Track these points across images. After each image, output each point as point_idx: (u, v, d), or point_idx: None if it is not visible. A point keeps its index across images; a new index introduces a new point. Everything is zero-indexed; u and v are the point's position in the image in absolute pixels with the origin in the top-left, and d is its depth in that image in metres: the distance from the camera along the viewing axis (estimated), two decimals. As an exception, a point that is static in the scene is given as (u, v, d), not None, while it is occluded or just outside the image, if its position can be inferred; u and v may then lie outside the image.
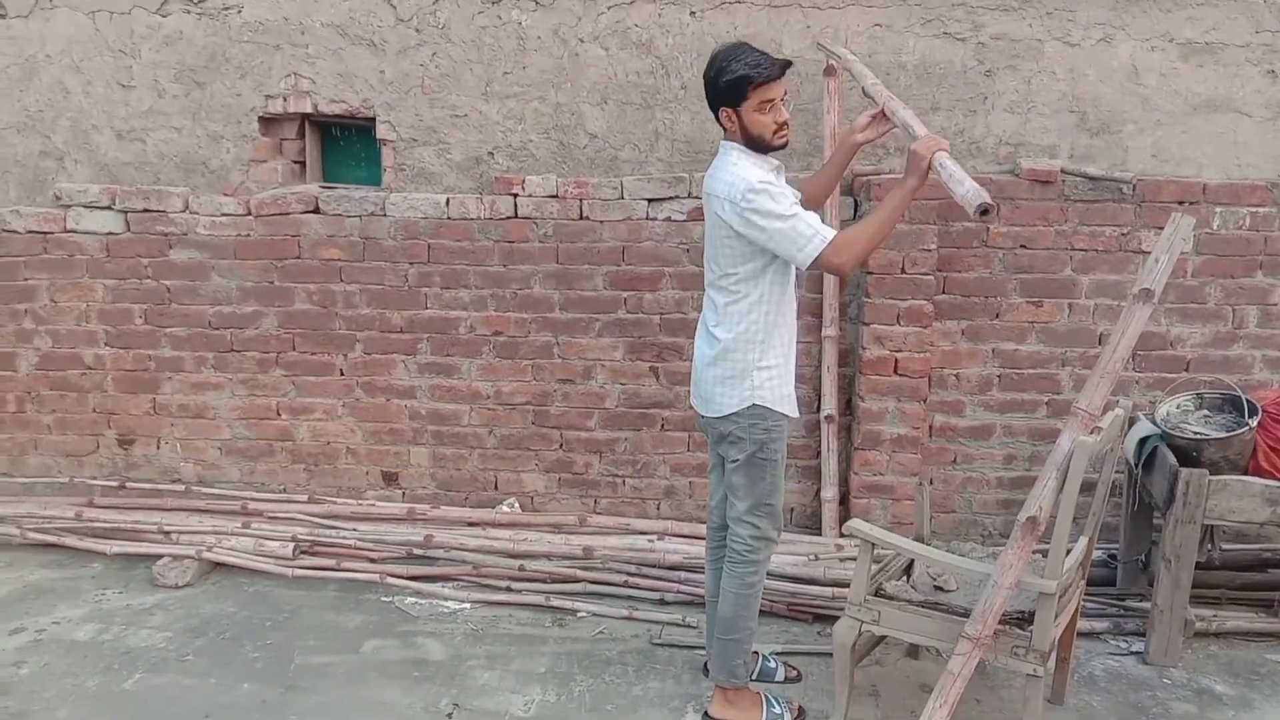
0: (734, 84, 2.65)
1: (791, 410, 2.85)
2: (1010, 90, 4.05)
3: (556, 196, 4.12)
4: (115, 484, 4.40)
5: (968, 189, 2.46)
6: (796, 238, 2.60)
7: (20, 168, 4.47)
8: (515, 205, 4.14)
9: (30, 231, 4.35)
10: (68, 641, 3.39)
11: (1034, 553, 2.65)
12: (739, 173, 2.66)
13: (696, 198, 4.01)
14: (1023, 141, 4.06)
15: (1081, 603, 3.06)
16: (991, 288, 3.96)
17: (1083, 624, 3.30)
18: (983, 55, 4.03)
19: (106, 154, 4.43)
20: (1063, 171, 3.90)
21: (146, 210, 4.27)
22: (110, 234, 4.31)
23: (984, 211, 2.42)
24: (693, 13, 4.11)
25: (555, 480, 4.31)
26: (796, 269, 2.74)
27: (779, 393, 2.80)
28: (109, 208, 4.30)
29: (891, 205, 2.66)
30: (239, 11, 4.25)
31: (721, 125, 2.76)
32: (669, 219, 4.07)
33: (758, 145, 2.71)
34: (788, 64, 2.69)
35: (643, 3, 4.12)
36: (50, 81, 4.40)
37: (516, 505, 4.29)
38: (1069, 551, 2.68)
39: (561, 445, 4.29)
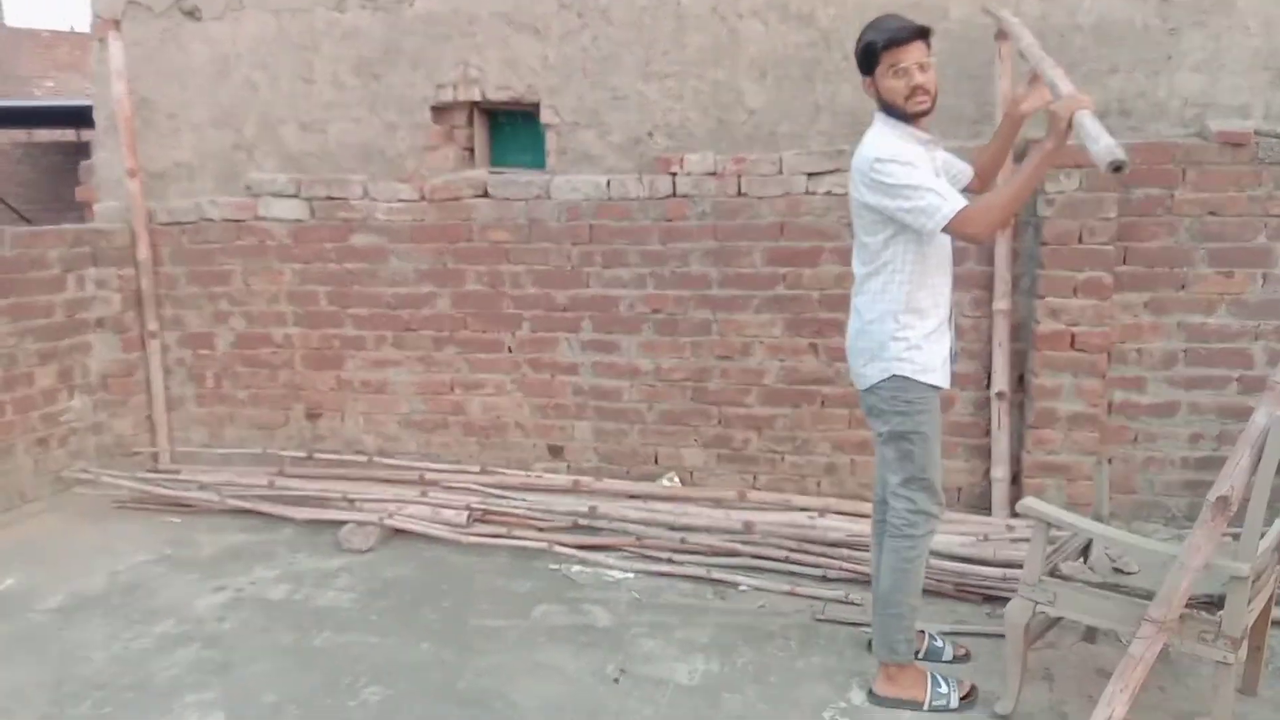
0: (863, 52, 2.67)
1: (939, 381, 2.77)
2: (1197, 48, 3.81)
3: (715, 174, 4.13)
4: (303, 455, 4.69)
5: (1102, 146, 2.33)
6: (925, 207, 2.56)
7: (215, 160, 4.81)
8: (674, 184, 4.18)
9: (225, 220, 4.69)
10: (263, 600, 3.64)
11: (1224, 535, 2.50)
12: (873, 142, 2.66)
13: (858, 171, 3.95)
14: (1211, 102, 3.82)
15: (1277, 589, 2.87)
16: (1177, 257, 3.75)
17: (1278, 612, 3.10)
18: (1166, 12, 3.81)
19: (291, 145, 4.71)
20: (1257, 133, 3.64)
21: (329, 198, 4.54)
22: (297, 221, 4.60)
23: (1116, 168, 2.30)
24: (855, -19, 4.04)
25: (714, 455, 4.35)
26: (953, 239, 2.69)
27: (922, 363, 2.73)
28: (295, 196, 4.58)
29: (1029, 169, 2.55)
30: (411, 4, 4.44)
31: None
32: (829, 192, 4.02)
33: (895, 112, 2.67)
34: (921, 29, 2.64)
35: (803, -26, 4.07)
36: (240, 79, 4.71)
37: (676, 479, 4.34)
38: (1264, 534, 2.53)
39: (720, 421, 4.32)
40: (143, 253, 4.73)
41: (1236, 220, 3.69)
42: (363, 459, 4.62)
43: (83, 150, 8.67)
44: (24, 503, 4.48)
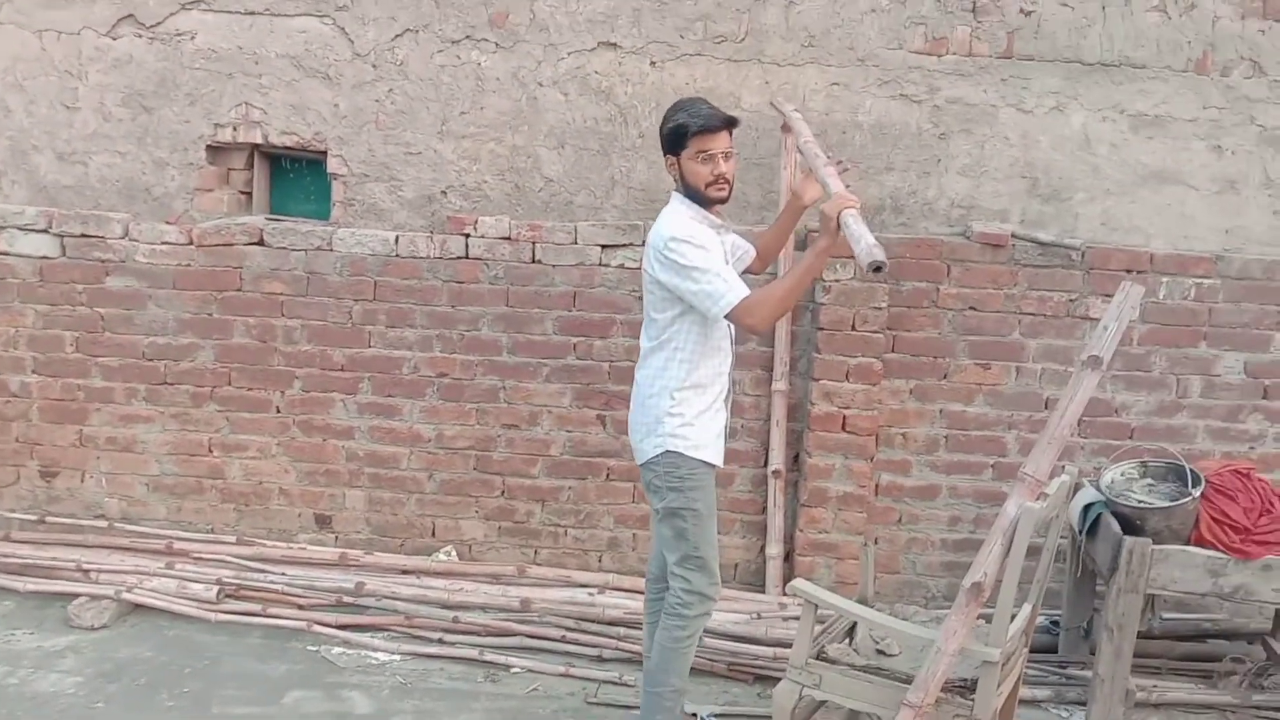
0: (673, 132, 2.73)
1: (712, 458, 2.81)
2: (964, 154, 4.09)
3: (509, 239, 4.06)
4: (35, 518, 4.21)
5: (863, 246, 2.46)
6: (712, 292, 2.63)
7: (-47, 186, 4.33)
8: (466, 245, 4.08)
9: (-40, 252, 4.19)
10: (-32, 685, 3.22)
11: (978, 619, 2.61)
12: (669, 221, 2.73)
13: (650, 246, 4.00)
14: (975, 205, 4.10)
15: (1024, 670, 3.01)
16: (940, 348, 3.97)
17: (1025, 691, 3.26)
18: (938, 118, 4.07)
19: (46, 176, 4.30)
20: (1013, 236, 3.93)
21: (84, 235, 4.14)
22: (45, 258, 4.17)
23: (876, 269, 2.43)
24: (653, 63, 4.11)
25: (495, 528, 4.20)
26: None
27: (695, 440, 2.76)
28: (45, 231, 4.15)
29: (804, 266, 2.68)
30: (192, 38, 4.18)
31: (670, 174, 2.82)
32: (622, 266, 4.03)
33: (695, 196, 2.75)
34: (731, 120, 2.74)
35: (604, 50, 4.11)
36: (-10, 100, 4.28)
37: (454, 553, 4.16)
38: (1013, 618, 2.65)
39: (503, 492, 4.18)
40: None
41: (994, 316, 3.95)
42: (103, 525, 4.17)
43: None
44: None
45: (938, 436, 4.01)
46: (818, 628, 2.85)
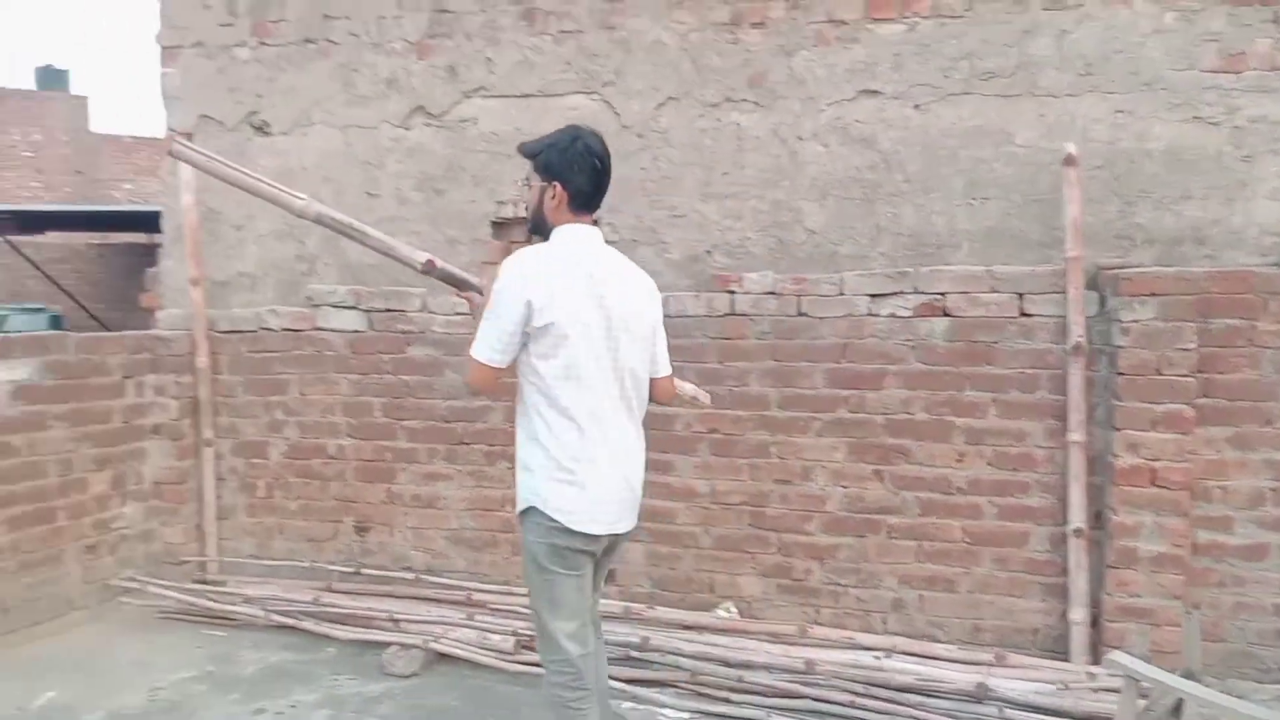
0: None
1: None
2: (1272, 176, 3.73)
3: (774, 293, 4.08)
4: (351, 569, 4.61)
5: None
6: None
7: (278, 271, 4.87)
8: (732, 302, 4.13)
9: (284, 329, 4.71)
10: (303, 726, 3.52)
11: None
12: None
13: (923, 292, 3.89)
14: (1291, 230, 3.71)
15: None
16: (1261, 391, 3.58)
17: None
18: (1240, 139, 3.74)
19: (352, 257, 4.75)
20: (1341, 262, 3.51)
21: (388, 310, 4.55)
22: (355, 332, 4.60)
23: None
24: (916, 106, 4.03)
25: (773, 585, 4.17)
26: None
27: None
28: (354, 307, 4.60)
29: None
30: (475, 124, 4.52)
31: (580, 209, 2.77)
32: (893, 315, 3.94)
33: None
34: None
35: (864, 98, 4.08)
36: (306, 192, 4.68)
37: (734, 609, 4.16)
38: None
39: (779, 549, 4.16)
40: (202, 360, 4.76)
41: (1324, 353, 3.53)
42: (410, 576, 4.51)
43: (153, 253, 8.90)
44: (70, 610, 4.42)
45: (1264, 489, 3.61)
46: (1141, 702, 2.62)
